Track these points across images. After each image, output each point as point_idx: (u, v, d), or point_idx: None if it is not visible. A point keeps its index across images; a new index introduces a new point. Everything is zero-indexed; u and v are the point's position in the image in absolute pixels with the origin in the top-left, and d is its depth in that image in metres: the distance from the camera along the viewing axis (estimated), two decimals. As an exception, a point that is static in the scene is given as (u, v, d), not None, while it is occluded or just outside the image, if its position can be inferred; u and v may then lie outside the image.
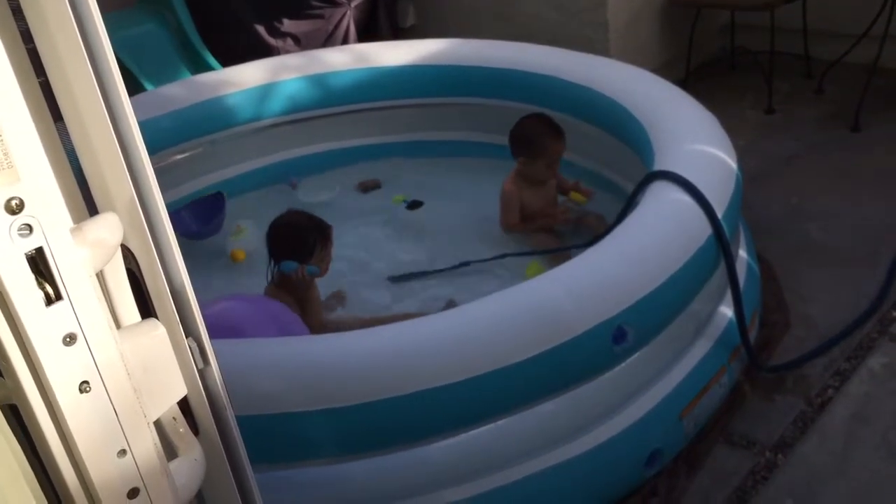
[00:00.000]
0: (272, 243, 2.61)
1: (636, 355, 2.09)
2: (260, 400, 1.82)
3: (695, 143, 2.52)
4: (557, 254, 2.89)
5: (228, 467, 0.76)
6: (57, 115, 0.68)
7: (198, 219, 3.26)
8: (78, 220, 0.66)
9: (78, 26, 0.60)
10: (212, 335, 2.08)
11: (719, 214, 2.22)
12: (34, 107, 0.62)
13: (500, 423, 1.99)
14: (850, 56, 4.02)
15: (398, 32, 4.67)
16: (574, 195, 3.08)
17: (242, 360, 1.88)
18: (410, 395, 1.83)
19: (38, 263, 0.57)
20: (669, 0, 4.19)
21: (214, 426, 0.75)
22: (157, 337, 0.67)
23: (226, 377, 1.74)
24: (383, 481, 1.96)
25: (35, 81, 0.65)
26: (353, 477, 1.96)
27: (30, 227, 0.56)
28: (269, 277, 2.62)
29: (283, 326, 2.20)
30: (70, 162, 0.70)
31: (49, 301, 0.58)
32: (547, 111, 3.11)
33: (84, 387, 0.60)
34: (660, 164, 2.41)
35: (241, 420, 1.75)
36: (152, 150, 2.85)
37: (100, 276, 0.68)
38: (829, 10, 4.15)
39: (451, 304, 2.69)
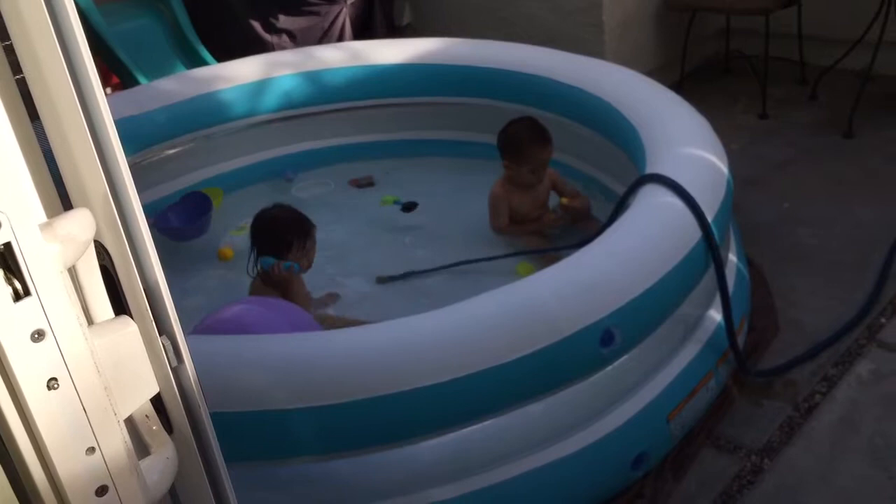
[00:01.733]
0: (253, 236, 2.62)
1: (624, 358, 2.09)
2: (246, 396, 1.82)
3: (687, 147, 2.52)
4: (550, 254, 2.89)
5: (202, 465, 0.76)
6: (34, 114, 0.67)
7: (182, 218, 3.26)
8: (53, 216, 0.65)
9: (52, 20, 0.60)
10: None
11: (709, 218, 2.23)
12: (8, 102, 0.61)
13: (486, 423, 1.99)
14: (845, 62, 4.02)
15: (394, 30, 4.66)
16: (563, 200, 3.06)
17: (229, 356, 1.88)
18: (397, 394, 1.83)
19: (7, 259, 0.57)
20: (665, 3, 4.19)
21: (188, 424, 0.74)
22: (128, 334, 0.67)
23: (212, 373, 1.74)
24: (369, 480, 1.96)
25: (10, 77, 0.65)
26: (340, 475, 1.96)
27: (-3, 222, 0.56)
28: (249, 270, 2.62)
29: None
30: (47, 158, 0.70)
31: (17, 297, 0.57)
32: (540, 112, 3.11)
33: (52, 383, 0.60)
34: (651, 168, 2.41)
35: (226, 416, 1.76)
36: (145, 144, 2.85)
37: (72, 272, 0.67)
38: (825, 15, 4.16)
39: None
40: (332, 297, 2.86)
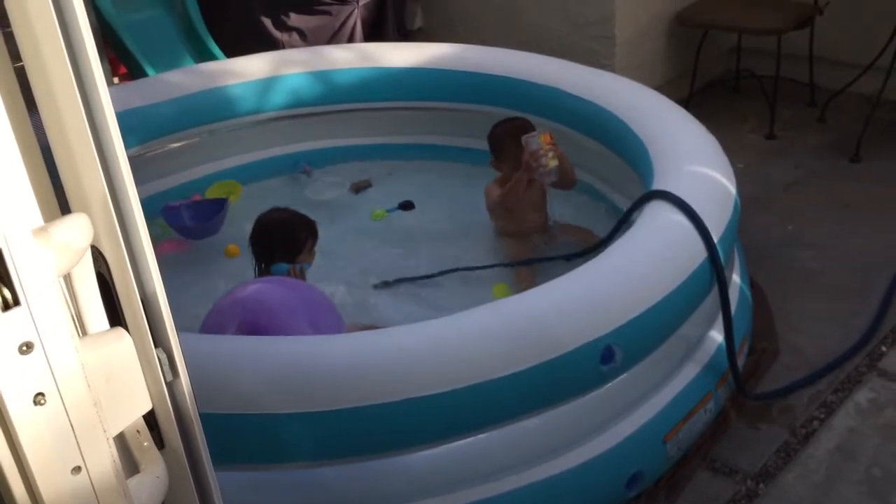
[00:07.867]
0: (263, 243, 2.55)
1: (623, 376, 2.06)
2: (241, 399, 1.79)
3: (695, 164, 2.49)
4: (527, 273, 2.85)
5: (192, 483, 0.73)
6: (32, 105, 0.64)
7: (195, 217, 3.24)
8: (50, 219, 0.62)
9: (56, 11, 0.57)
10: (243, 314, 2.03)
11: (715, 238, 2.20)
12: (6, 93, 0.58)
13: (481, 436, 1.97)
14: (855, 86, 4.00)
15: (405, 34, 4.64)
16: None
17: (225, 358, 1.85)
18: (393, 404, 1.81)
19: (-4, 265, 0.54)
20: (678, 19, 4.17)
21: (180, 441, 0.71)
22: (122, 347, 0.64)
23: (208, 374, 1.70)
24: (362, 488, 1.94)
25: (9, 66, 0.62)
26: (332, 482, 1.94)
27: (-14, 226, 0.53)
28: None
29: (313, 318, 2.15)
30: (45, 156, 0.67)
31: (6, 306, 0.55)
32: (549, 123, 3.08)
33: (39, 399, 0.57)
34: (659, 184, 2.39)
35: (221, 419, 1.73)
36: (150, 137, 2.82)
37: (67, 280, 0.64)
38: (837, 39, 4.13)
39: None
40: None
